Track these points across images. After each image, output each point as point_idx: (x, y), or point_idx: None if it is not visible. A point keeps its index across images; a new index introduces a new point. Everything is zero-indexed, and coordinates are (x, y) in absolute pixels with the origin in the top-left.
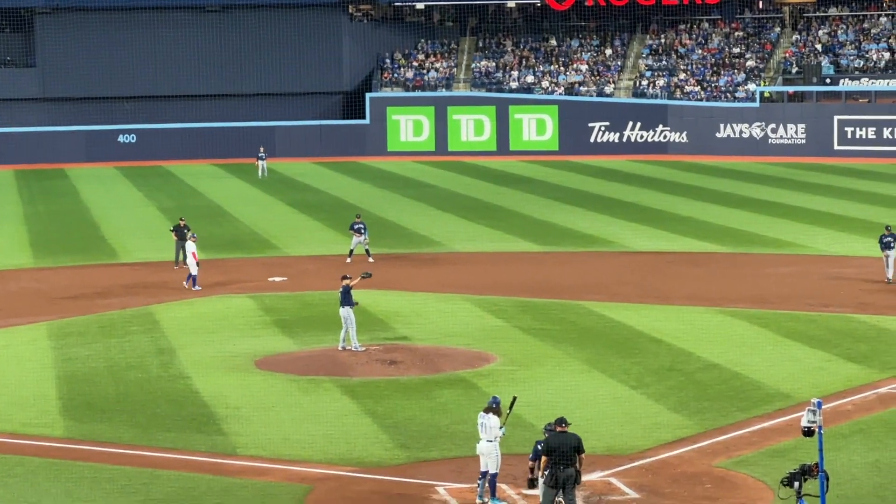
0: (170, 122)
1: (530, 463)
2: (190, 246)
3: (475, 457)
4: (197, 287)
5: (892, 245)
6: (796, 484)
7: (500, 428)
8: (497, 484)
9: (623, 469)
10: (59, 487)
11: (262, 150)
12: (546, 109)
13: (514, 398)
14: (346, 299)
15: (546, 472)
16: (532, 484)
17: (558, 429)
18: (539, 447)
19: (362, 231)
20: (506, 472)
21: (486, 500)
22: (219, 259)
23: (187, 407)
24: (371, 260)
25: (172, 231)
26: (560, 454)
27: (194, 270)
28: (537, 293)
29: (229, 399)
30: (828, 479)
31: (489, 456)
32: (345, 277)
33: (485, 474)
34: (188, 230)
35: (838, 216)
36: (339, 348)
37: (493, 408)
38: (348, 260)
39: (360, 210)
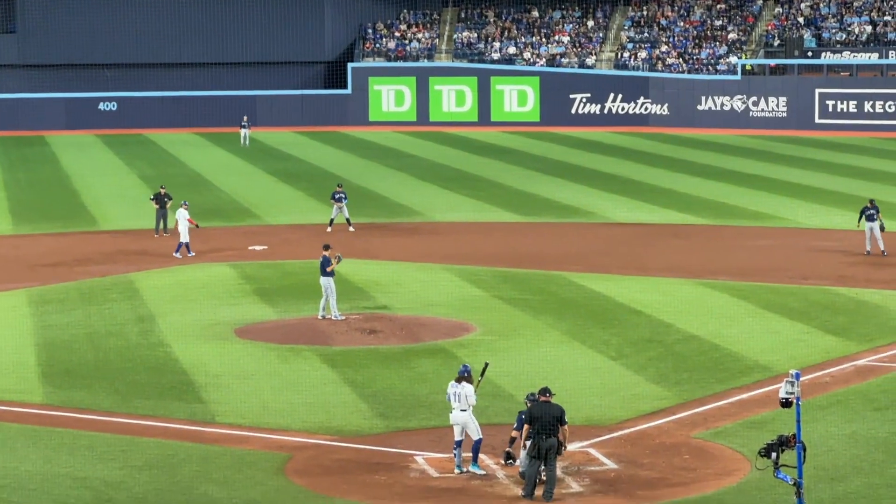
0: (151, 91)
1: (514, 433)
2: (183, 213)
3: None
4: (191, 253)
5: (874, 217)
6: (774, 455)
7: (473, 395)
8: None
9: (602, 440)
10: (38, 454)
11: (245, 118)
12: (527, 80)
13: (486, 364)
14: (326, 269)
15: (528, 442)
16: (508, 457)
17: (542, 398)
18: (523, 416)
19: (343, 200)
20: (485, 442)
21: (464, 468)
22: (199, 227)
23: (166, 375)
24: (351, 229)
25: (153, 199)
26: (543, 424)
27: (185, 238)
28: (517, 263)
29: (209, 367)
30: (805, 451)
31: (467, 425)
32: (326, 247)
33: (459, 444)
34: (169, 198)
35: (818, 189)
36: (319, 317)
37: (466, 376)
38: (328, 229)
39: (341, 179)
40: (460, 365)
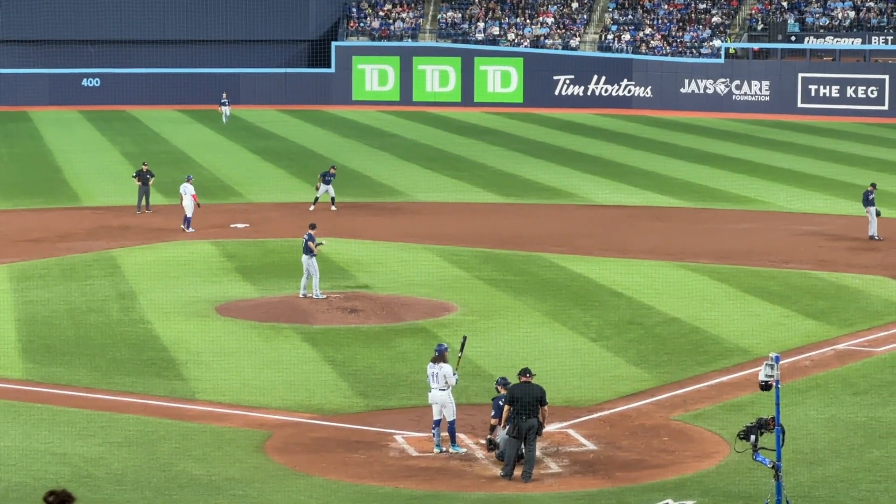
0: (134, 67)
1: (492, 420)
2: (189, 188)
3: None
4: (191, 229)
5: (873, 201)
6: (752, 438)
7: (454, 374)
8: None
9: (581, 421)
10: (18, 429)
11: (224, 95)
12: (511, 62)
13: (465, 338)
14: (309, 248)
15: (509, 423)
16: (491, 444)
17: (522, 379)
18: (501, 403)
19: (329, 181)
20: (464, 423)
21: (444, 448)
22: (180, 205)
23: (147, 351)
24: (334, 208)
25: (135, 176)
26: (523, 404)
27: (190, 213)
28: (499, 244)
29: (189, 344)
30: (784, 434)
31: (444, 405)
32: (312, 226)
33: (438, 423)
34: (151, 175)
35: (800, 173)
36: (300, 296)
37: (440, 355)
38: (312, 208)
39: (324, 158)
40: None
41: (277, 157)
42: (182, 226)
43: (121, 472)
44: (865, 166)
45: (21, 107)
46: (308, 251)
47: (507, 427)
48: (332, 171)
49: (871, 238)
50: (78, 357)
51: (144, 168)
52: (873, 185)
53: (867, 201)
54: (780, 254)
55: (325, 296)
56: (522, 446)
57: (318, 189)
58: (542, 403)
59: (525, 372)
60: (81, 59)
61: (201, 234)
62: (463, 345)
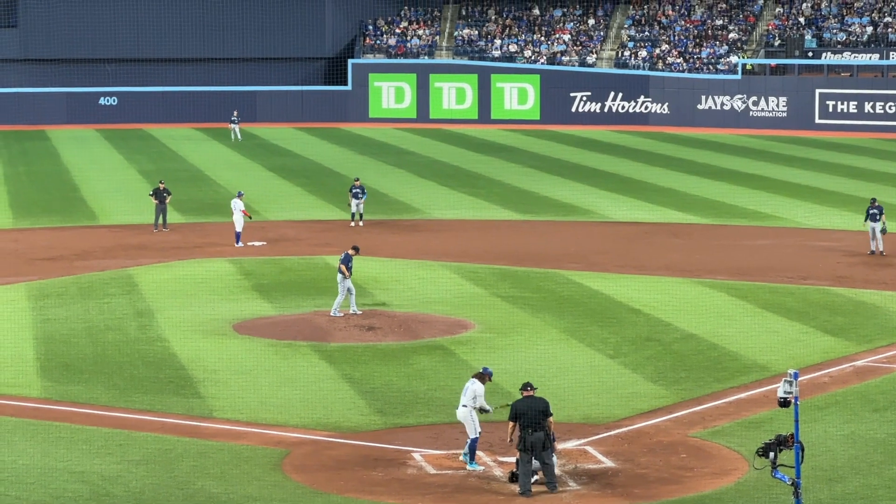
0: (151, 86)
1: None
2: (238, 203)
3: (452, 424)
4: (239, 244)
5: (878, 217)
6: (771, 454)
7: (489, 406)
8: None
9: (599, 438)
10: (36, 447)
11: (235, 113)
12: (528, 78)
13: (502, 406)
14: (343, 267)
15: (517, 437)
16: (513, 478)
17: (525, 393)
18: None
19: (360, 195)
20: (482, 440)
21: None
22: (198, 223)
23: (164, 369)
24: (360, 224)
25: (152, 195)
26: (528, 418)
27: (240, 227)
28: (516, 261)
29: (207, 362)
30: (803, 451)
31: (465, 420)
32: (355, 249)
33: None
34: (168, 193)
35: (818, 189)
36: (341, 314)
37: (481, 375)
38: (352, 224)
39: (340, 176)
40: (466, 364)
41: (294, 174)
42: (237, 243)
43: (139, 490)
44: (884, 182)
45: (39, 125)
46: (341, 270)
47: (517, 440)
48: (356, 183)
49: (875, 253)
50: (96, 375)
51: (161, 186)
52: (873, 201)
53: (871, 217)
54: (797, 270)
55: (342, 314)
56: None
57: (350, 205)
58: (547, 415)
59: (527, 386)
60: (99, 78)
61: (217, 251)
62: (499, 408)
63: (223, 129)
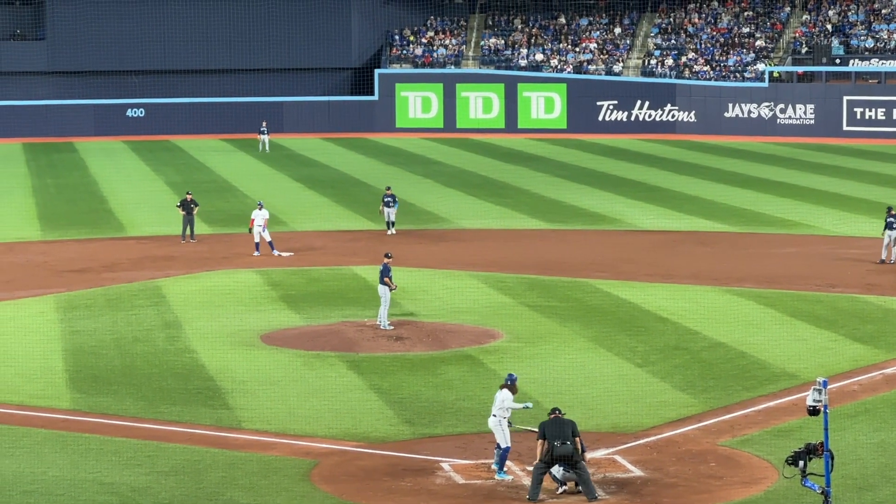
0: (178, 97)
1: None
2: (261, 214)
3: (481, 433)
4: (257, 253)
5: (894, 226)
6: (801, 463)
7: (516, 406)
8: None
9: (628, 447)
10: (66, 459)
11: (264, 124)
12: (554, 87)
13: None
14: (384, 278)
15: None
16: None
17: (552, 416)
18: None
19: (391, 204)
20: (511, 450)
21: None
22: (225, 234)
23: (193, 380)
24: (393, 232)
25: (179, 206)
26: (555, 435)
27: (268, 237)
28: (544, 270)
29: (235, 373)
30: (832, 459)
31: (494, 430)
32: (388, 256)
33: (499, 446)
34: (195, 205)
35: (846, 197)
36: (380, 325)
37: (507, 384)
38: (387, 233)
39: (368, 186)
40: (494, 373)
41: (321, 185)
42: (274, 252)
43: (168, 502)
44: None
45: (67, 137)
46: (382, 280)
47: (542, 452)
48: (387, 191)
49: (886, 262)
50: (124, 386)
51: (189, 197)
52: (889, 209)
53: (887, 225)
54: (826, 278)
55: (392, 326)
56: (561, 472)
57: (382, 213)
58: (575, 435)
59: (555, 410)
60: (126, 90)
61: (245, 262)
62: (524, 429)
63: (250, 139)
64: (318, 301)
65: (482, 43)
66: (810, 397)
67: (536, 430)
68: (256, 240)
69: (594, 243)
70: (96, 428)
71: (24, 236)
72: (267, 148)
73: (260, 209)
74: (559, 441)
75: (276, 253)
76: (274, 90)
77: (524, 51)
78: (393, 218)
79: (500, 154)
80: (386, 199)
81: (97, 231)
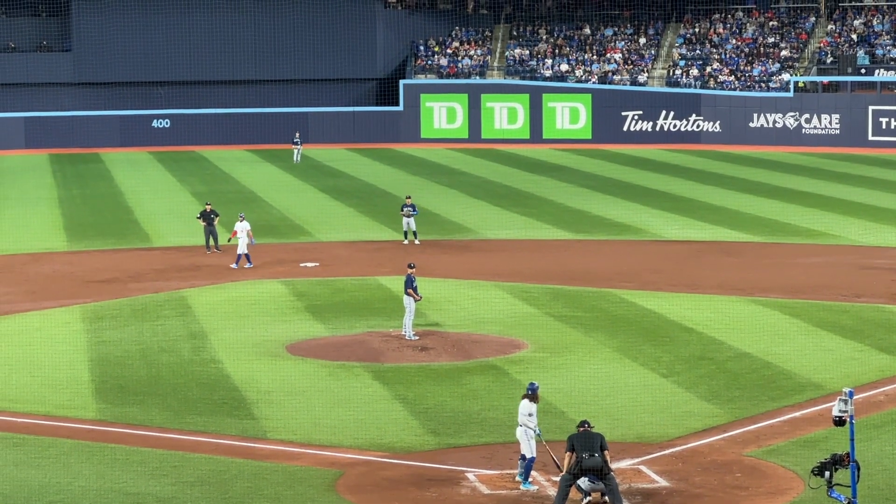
0: (204, 108)
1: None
2: (243, 226)
3: (506, 443)
4: (234, 265)
5: None
6: (827, 474)
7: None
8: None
9: (653, 457)
10: (91, 469)
11: (297, 135)
12: (579, 98)
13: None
14: (407, 288)
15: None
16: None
17: (581, 429)
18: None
19: (410, 213)
20: (535, 460)
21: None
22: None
23: (218, 391)
24: (417, 242)
25: (199, 217)
26: (584, 448)
27: (246, 250)
28: (569, 281)
29: (260, 383)
30: (859, 470)
31: (521, 440)
32: (411, 266)
33: (523, 457)
34: (216, 215)
35: (871, 206)
36: (406, 336)
37: (527, 394)
38: (405, 242)
39: (392, 196)
40: (519, 383)
41: (346, 195)
42: (237, 264)
43: None
44: None
45: (93, 148)
46: (406, 291)
47: (570, 464)
48: (407, 201)
49: None
50: (150, 397)
51: (208, 208)
52: None
53: None
54: (851, 288)
55: (417, 336)
56: (587, 483)
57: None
58: (604, 448)
59: (584, 423)
60: (151, 101)
61: (270, 272)
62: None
63: (275, 150)
64: (343, 311)
65: (507, 53)
66: (836, 408)
67: (559, 460)
68: (243, 251)
69: (619, 253)
70: (122, 438)
71: (50, 247)
72: (298, 158)
73: (241, 221)
74: (587, 453)
75: (235, 266)
76: (299, 101)
77: (549, 61)
78: (414, 227)
79: (524, 164)
80: (406, 209)
81: (123, 241)
